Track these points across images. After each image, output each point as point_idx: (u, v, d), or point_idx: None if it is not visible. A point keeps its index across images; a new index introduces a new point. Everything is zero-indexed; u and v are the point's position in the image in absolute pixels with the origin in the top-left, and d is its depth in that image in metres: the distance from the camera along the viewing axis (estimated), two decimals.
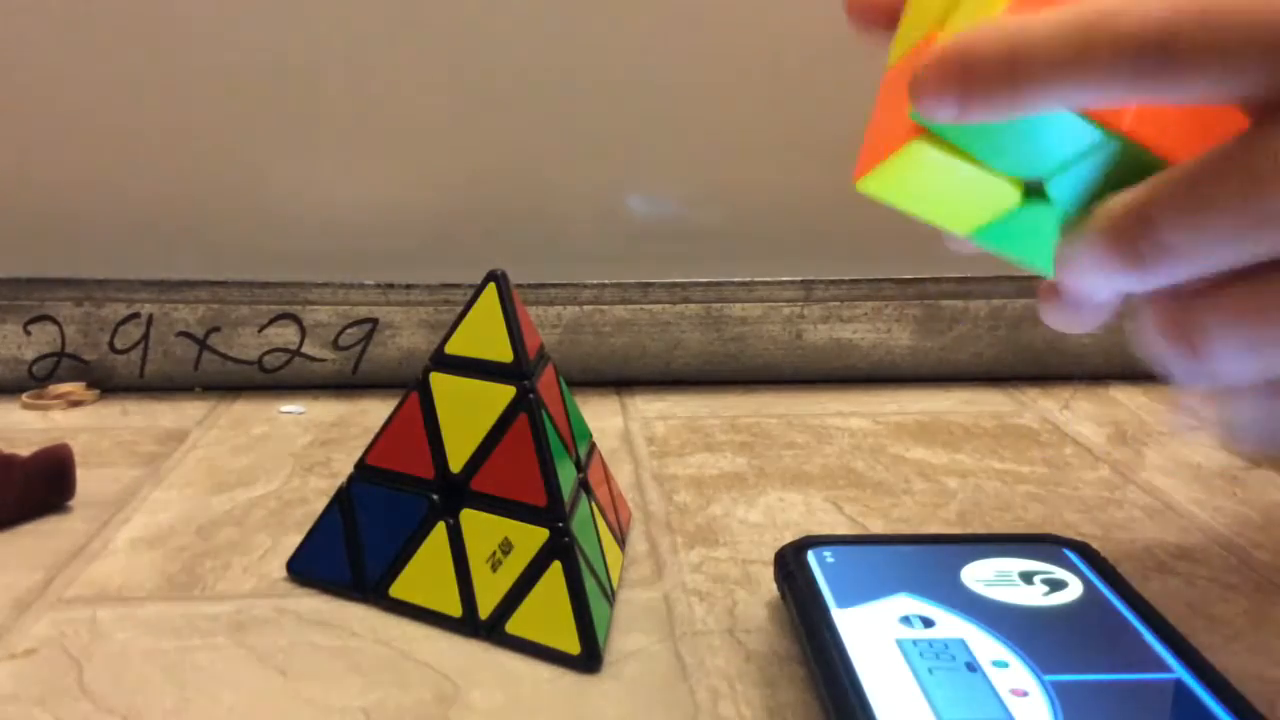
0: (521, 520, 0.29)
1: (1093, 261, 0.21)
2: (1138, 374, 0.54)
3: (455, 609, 0.30)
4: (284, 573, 0.33)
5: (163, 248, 0.53)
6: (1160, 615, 0.27)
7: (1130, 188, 0.21)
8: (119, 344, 0.50)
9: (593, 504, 0.32)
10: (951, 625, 0.27)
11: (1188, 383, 0.22)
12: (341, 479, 0.32)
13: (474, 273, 0.31)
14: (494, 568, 0.29)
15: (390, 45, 0.51)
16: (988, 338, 0.53)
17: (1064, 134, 0.21)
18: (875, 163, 0.23)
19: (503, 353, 0.29)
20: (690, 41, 0.52)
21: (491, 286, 0.30)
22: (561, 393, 0.32)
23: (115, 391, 0.50)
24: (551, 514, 0.29)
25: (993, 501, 0.39)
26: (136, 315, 0.49)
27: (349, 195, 0.54)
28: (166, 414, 0.48)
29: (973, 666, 0.25)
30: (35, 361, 0.50)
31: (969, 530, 0.37)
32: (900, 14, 0.25)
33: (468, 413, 0.30)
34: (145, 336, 0.50)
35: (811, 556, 0.30)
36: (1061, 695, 0.24)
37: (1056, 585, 0.29)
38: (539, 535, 0.29)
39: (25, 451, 0.37)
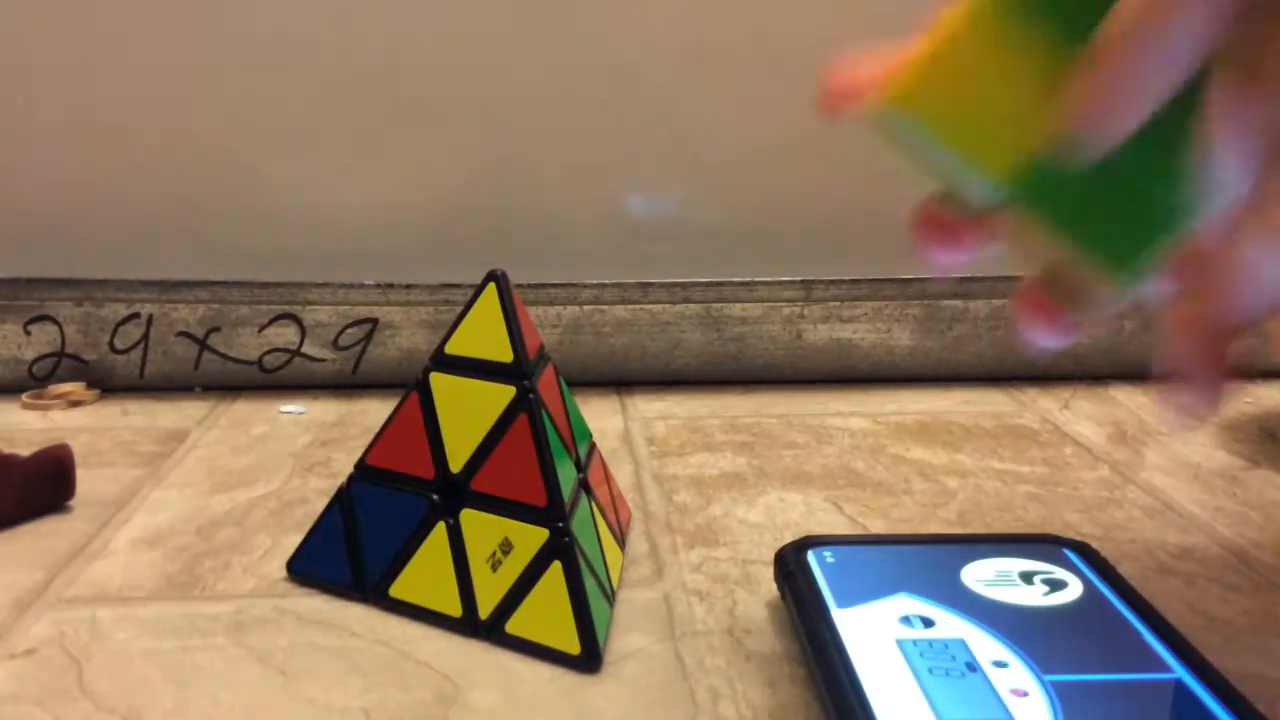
0: (521, 520, 0.29)
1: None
2: (1138, 374, 0.54)
3: (455, 609, 0.30)
4: (284, 573, 0.33)
5: (163, 248, 0.53)
6: (1160, 615, 0.27)
7: None
8: (119, 344, 0.50)
9: (593, 504, 0.32)
10: (951, 625, 0.27)
11: None
12: (341, 479, 0.32)
13: (474, 273, 0.31)
14: (494, 568, 0.29)
15: (390, 45, 0.51)
16: (988, 338, 0.53)
17: None
18: (913, 66, 0.19)
19: (503, 353, 0.29)
20: (690, 41, 0.52)
21: (491, 286, 0.30)
22: (561, 393, 0.32)
23: (115, 391, 0.50)
24: (551, 514, 0.29)
25: (993, 501, 0.39)
26: (136, 315, 0.49)
27: (349, 195, 0.54)
28: (166, 414, 0.48)
29: (973, 666, 0.25)
30: (35, 361, 0.50)
31: (969, 530, 0.37)
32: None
33: (468, 413, 0.30)
34: (145, 336, 0.50)
35: (811, 556, 0.30)
36: (1061, 695, 0.24)
37: (1056, 585, 0.29)
38: (539, 535, 0.29)
39: (25, 451, 0.37)
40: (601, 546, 0.31)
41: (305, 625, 0.30)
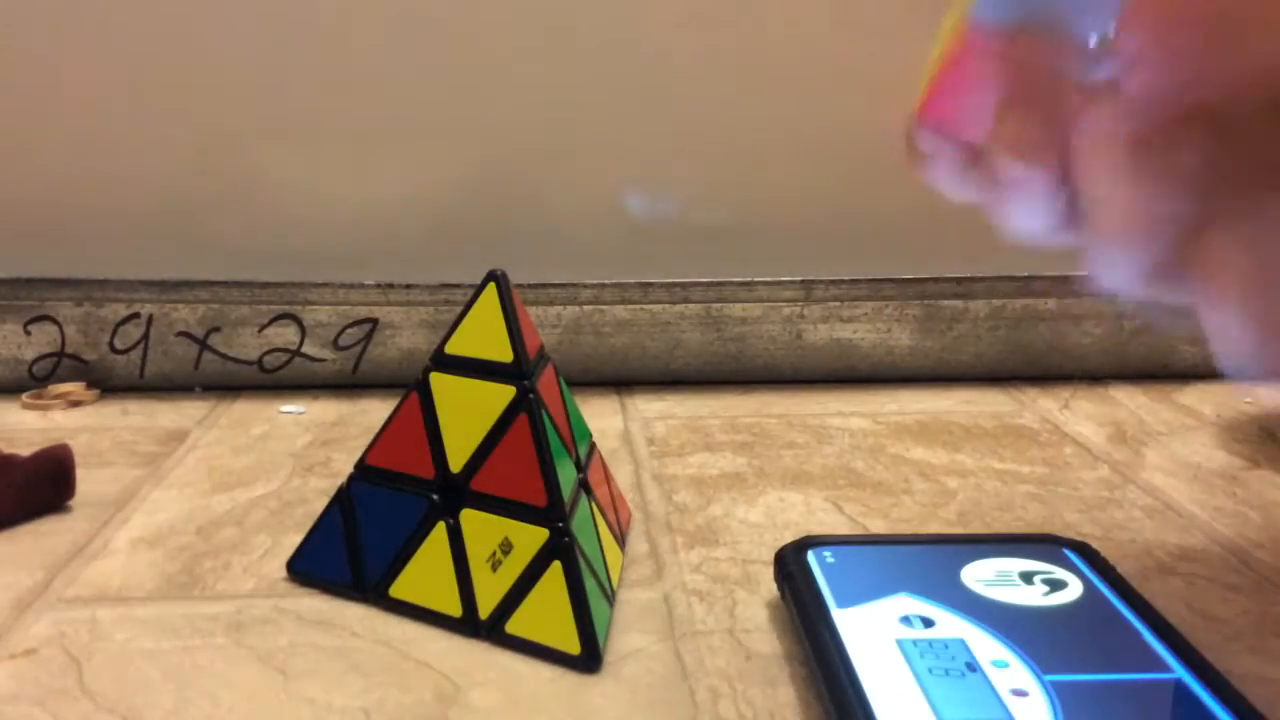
0: (521, 520, 0.29)
1: None
2: (1138, 374, 0.54)
3: (455, 609, 0.30)
4: (284, 573, 0.33)
5: (163, 248, 0.53)
6: (1160, 615, 0.27)
7: None
8: (119, 344, 0.50)
9: (593, 504, 0.32)
10: (951, 625, 0.27)
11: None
12: (341, 479, 0.32)
13: (474, 273, 0.31)
14: (494, 568, 0.29)
15: (390, 45, 0.51)
16: (988, 338, 0.53)
17: None
18: None
19: (503, 353, 0.29)
20: (691, 41, 0.52)
21: (491, 286, 0.30)
22: (561, 393, 0.32)
23: (115, 391, 0.50)
24: (551, 514, 0.29)
25: (993, 501, 0.39)
26: (136, 315, 0.49)
27: (349, 195, 0.54)
28: (166, 414, 0.48)
29: (973, 666, 0.25)
30: (35, 361, 0.50)
31: (969, 530, 0.37)
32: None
33: (468, 413, 0.30)
34: (145, 336, 0.50)
35: (811, 556, 0.30)
36: (1061, 695, 0.24)
37: (1056, 585, 0.29)
38: (539, 535, 0.29)
39: (25, 451, 0.37)
40: (601, 546, 0.31)
41: (305, 625, 0.30)
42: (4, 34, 0.50)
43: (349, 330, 0.50)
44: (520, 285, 0.37)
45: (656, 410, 0.49)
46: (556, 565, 0.28)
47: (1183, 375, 0.54)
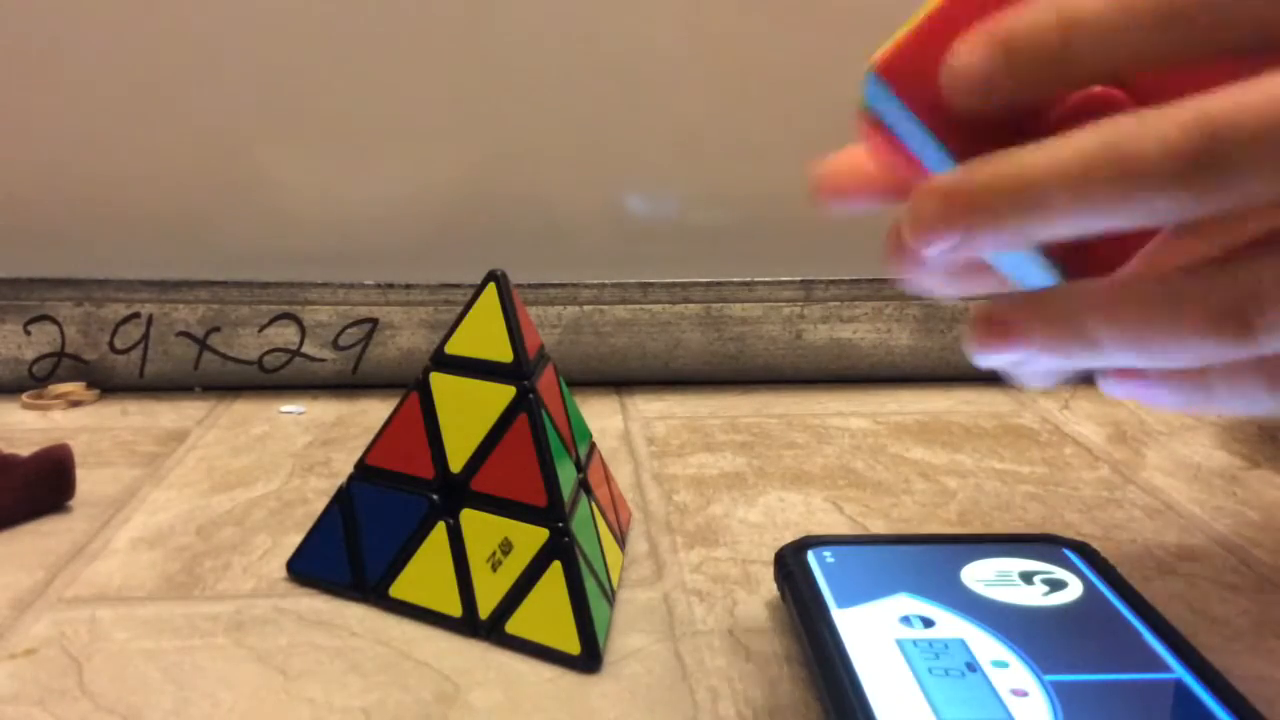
0: (521, 520, 0.29)
1: (1129, 173, 0.17)
2: None
3: (455, 609, 0.30)
4: (284, 573, 0.33)
5: (163, 248, 0.53)
6: (1160, 615, 0.27)
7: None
8: (119, 344, 0.50)
9: (593, 504, 0.32)
10: (951, 625, 0.27)
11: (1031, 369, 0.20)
12: (341, 479, 0.32)
13: (474, 273, 0.31)
14: (494, 568, 0.29)
15: (391, 45, 0.51)
16: None
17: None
18: (893, 41, 0.20)
19: (503, 353, 0.29)
20: (690, 41, 0.52)
21: (491, 286, 0.30)
22: (561, 393, 0.32)
23: (115, 391, 0.50)
24: (551, 514, 0.29)
25: (993, 501, 0.39)
26: (136, 315, 0.49)
27: (349, 195, 0.54)
28: (166, 414, 0.48)
29: (973, 666, 0.25)
30: (35, 361, 0.50)
31: (969, 530, 0.37)
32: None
33: (468, 413, 0.30)
34: (145, 336, 0.50)
35: (811, 556, 0.30)
36: (1061, 695, 0.24)
37: (1056, 585, 0.29)
38: (539, 535, 0.29)
39: (25, 451, 0.37)
40: (601, 546, 0.31)
41: (305, 625, 0.30)
42: (4, 34, 0.50)
43: (349, 330, 0.50)
44: (520, 285, 0.37)
45: (656, 410, 0.49)
46: (556, 565, 0.28)
47: None
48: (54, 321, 0.49)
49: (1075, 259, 0.20)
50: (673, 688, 0.27)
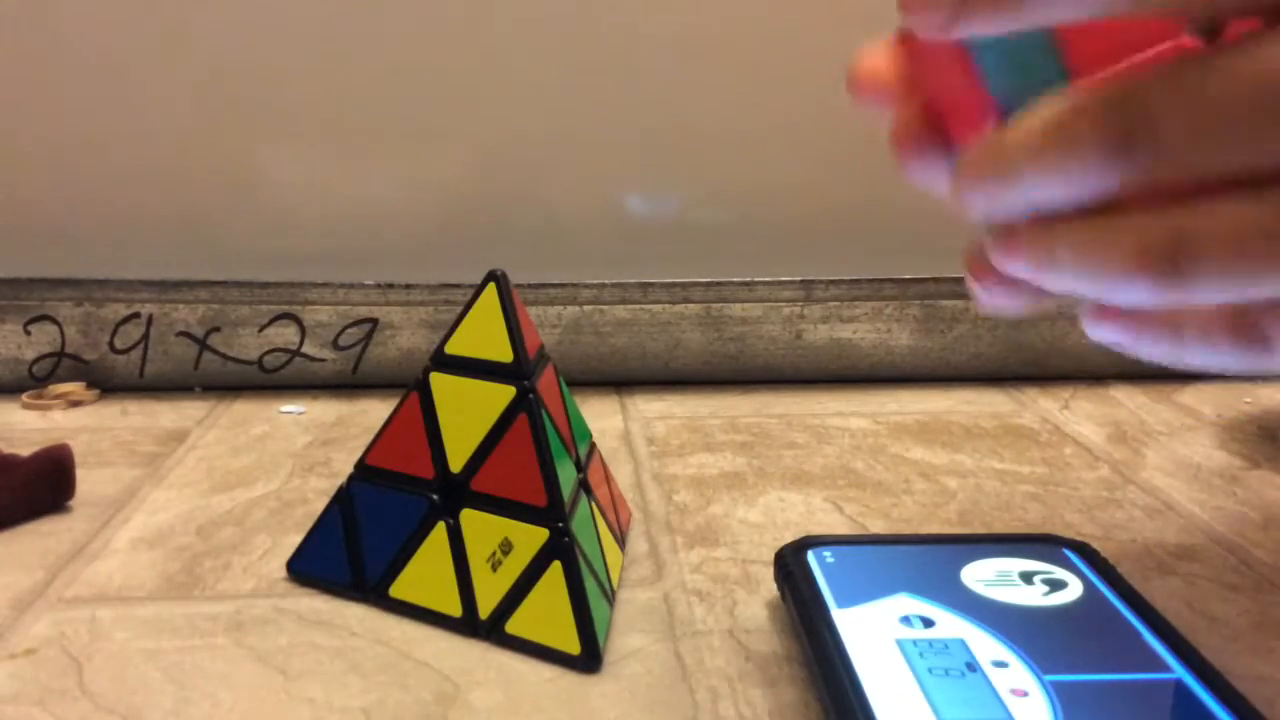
0: (521, 520, 0.29)
1: (1070, 150, 0.18)
2: (1138, 374, 0.54)
3: (455, 609, 0.30)
4: (284, 573, 0.33)
5: (163, 248, 0.53)
6: (1160, 615, 0.27)
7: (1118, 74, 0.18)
8: (119, 344, 0.50)
9: (593, 504, 0.32)
10: (951, 625, 0.27)
11: (1145, 301, 0.20)
12: (341, 479, 0.32)
13: (474, 273, 0.31)
14: (494, 568, 0.29)
15: (390, 45, 0.51)
16: (988, 338, 0.53)
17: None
18: None
19: (503, 353, 0.29)
20: (690, 41, 0.52)
21: (491, 286, 0.30)
22: (561, 393, 0.32)
23: (115, 391, 0.50)
24: (551, 514, 0.29)
25: (993, 501, 0.39)
26: (136, 315, 0.49)
27: (349, 195, 0.54)
28: (166, 414, 0.48)
29: (973, 666, 0.25)
30: (35, 361, 0.50)
31: (969, 530, 0.37)
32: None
33: (468, 413, 0.30)
34: (145, 336, 0.50)
35: (811, 556, 0.30)
36: (1061, 695, 0.24)
37: (1056, 585, 0.29)
38: (539, 535, 0.29)
39: (25, 451, 0.37)
40: (601, 546, 0.31)
41: (305, 625, 0.30)
42: (3, 34, 0.50)
43: (349, 330, 0.50)
44: (520, 285, 0.37)
45: (656, 410, 0.49)
46: (556, 565, 0.28)
47: (1183, 375, 0.54)
48: (54, 321, 0.49)
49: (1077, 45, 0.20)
50: (673, 688, 0.27)
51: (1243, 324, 0.20)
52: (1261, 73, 0.17)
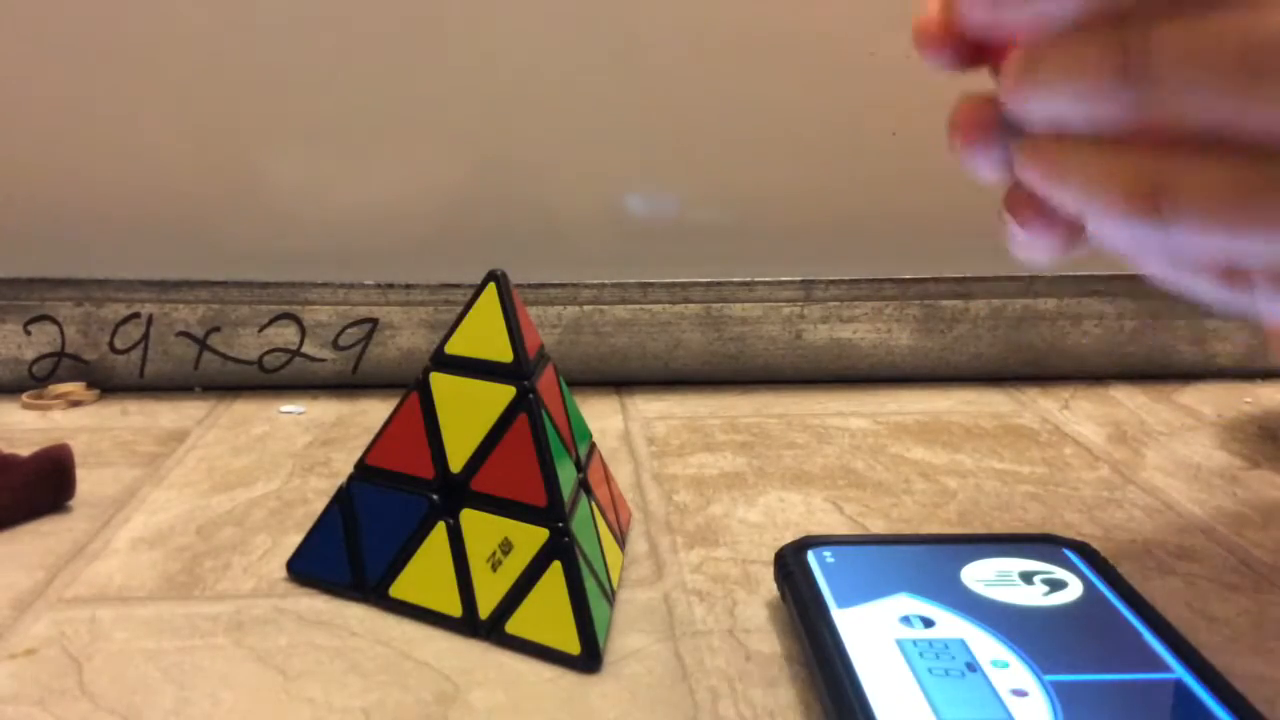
0: (521, 520, 0.29)
1: (1079, 67, 0.20)
2: (1138, 374, 0.54)
3: (455, 609, 0.30)
4: (284, 573, 0.33)
5: (163, 248, 0.53)
6: (1160, 615, 0.27)
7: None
8: (119, 344, 0.50)
9: (593, 504, 0.32)
10: (951, 625, 0.27)
11: (1130, 248, 0.21)
12: (341, 479, 0.32)
13: (474, 273, 0.31)
14: (494, 568, 0.29)
15: (391, 45, 0.51)
16: (988, 338, 0.53)
17: None
18: None
19: (503, 353, 0.29)
20: (690, 41, 0.52)
21: (491, 286, 0.30)
22: (561, 393, 0.32)
23: (115, 391, 0.50)
24: (551, 514, 0.29)
25: (993, 501, 0.39)
26: (136, 315, 0.49)
27: (349, 195, 0.54)
28: (166, 414, 0.48)
29: (973, 666, 0.25)
30: (35, 361, 0.50)
31: (969, 530, 0.37)
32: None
33: (468, 413, 0.30)
34: (145, 336, 0.50)
35: (811, 556, 0.30)
36: (1061, 695, 0.24)
37: (1056, 585, 0.29)
38: (539, 535, 0.29)
39: (25, 451, 0.37)
40: (601, 546, 0.31)
41: (305, 625, 0.30)
42: (3, 34, 0.50)
43: (349, 330, 0.50)
44: (520, 285, 0.37)
45: (656, 410, 0.49)
46: (556, 565, 0.28)
47: (1183, 375, 0.54)
48: (54, 321, 0.49)
49: None
50: (673, 688, 0.27)
51: (1225, 270, 0.21)
52: (1252, 30, 0.17)
